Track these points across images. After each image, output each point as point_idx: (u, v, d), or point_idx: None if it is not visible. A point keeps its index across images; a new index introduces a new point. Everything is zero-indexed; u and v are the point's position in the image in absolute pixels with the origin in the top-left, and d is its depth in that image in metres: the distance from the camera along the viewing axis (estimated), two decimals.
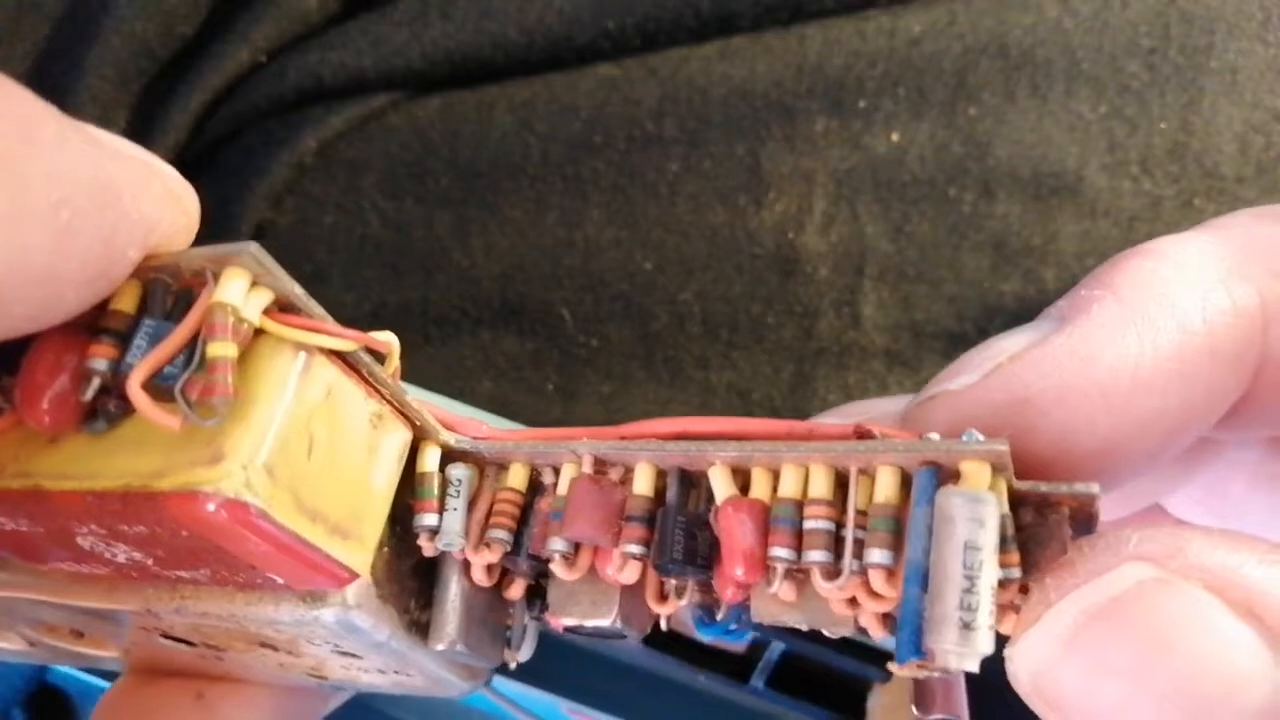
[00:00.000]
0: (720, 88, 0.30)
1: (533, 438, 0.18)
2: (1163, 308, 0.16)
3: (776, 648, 0.28)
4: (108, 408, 0.15)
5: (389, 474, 0.17)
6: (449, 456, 0.18)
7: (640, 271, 0.30)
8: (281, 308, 0.15)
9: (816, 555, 0.15)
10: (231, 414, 0.14)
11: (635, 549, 0.17)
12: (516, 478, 0.18)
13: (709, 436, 0.17)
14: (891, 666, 0.15)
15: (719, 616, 0.18)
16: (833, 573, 0.16)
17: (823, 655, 0.27)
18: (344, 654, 0.19)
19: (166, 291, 0.15)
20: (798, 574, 0.16)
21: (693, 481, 0.17)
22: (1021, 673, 0.15)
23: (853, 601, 0.16)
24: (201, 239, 0.31)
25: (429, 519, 0.17)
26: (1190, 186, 0.30)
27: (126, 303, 0.15)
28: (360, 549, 0.16)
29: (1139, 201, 0.30)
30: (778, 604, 0.17)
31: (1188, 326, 0.16)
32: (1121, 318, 0.16)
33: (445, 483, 0.18)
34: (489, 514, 0.18)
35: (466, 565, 0.18)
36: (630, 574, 0.17)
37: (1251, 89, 0.29)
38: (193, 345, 0.14)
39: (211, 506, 0.14)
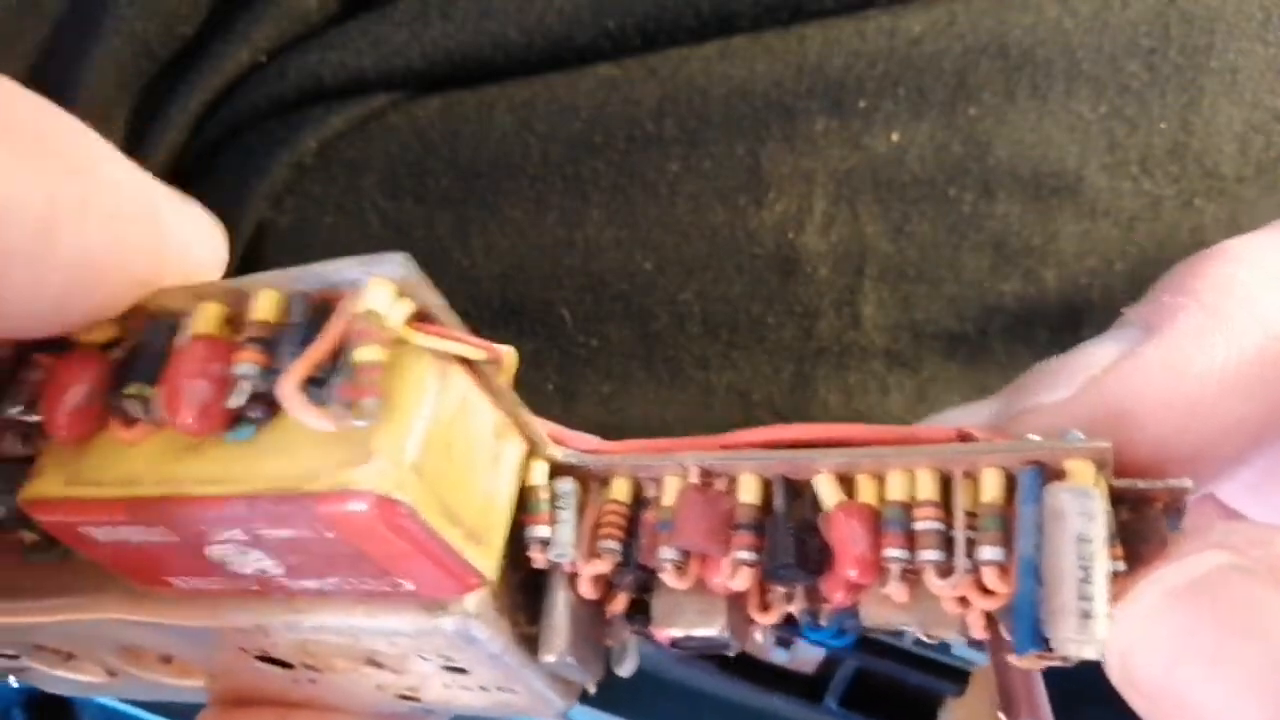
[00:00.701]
0: (720, 88, 0.30)
1: (635, 450, 0.18)
2: (1245, 312, 0.17)
3: (849, 666, 0.28)
4: (251, 414, 0.15)
5: (510, 484, 0.17)
6: (553, 470, 0.18)
7: (640, 271, 0.30)
8: (420, 317, 0.16)
9: (930, 554, 0.16)
10: (380, 415, 0.15)
11: (747, 555, 0.17)
12: (620, 490, 0.18)
13: (812, 444, 0.17)
14: (1012, 659, 0.16)
15: (823, 621, 0.18)
16: (946, 571, 0.16)
17: (895, 672, 0.27)
18: (451, 669, 0.19)
19: (306, 300, 0.15)
20: (909, 575, 0.17)
21: (796, 489, 0.17)
22: (1111, 655, 0.15)
23: (962, 600, 0.16)
24: None
25: (541, 530, 0.18)
26: (1190, 186, 0.30)
27: (270, 311, 0.15)
28: (490, 555, 0.17)
29: (1139, 201, 0.30)
30: (888, 606, 0.17)
31: (1271, 330, 0.16)
32: (1207, 325, 0.17)
33: (554, 496, 0.18)
34: (596, 526, 0.18)
35: (572, 578, 0.19)
36: (742, 580, 0.17)
37: (1251, 89, 0.29)
38: (334, 352, 0.15)
39: (363, 505, 0.14)
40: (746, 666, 0.27)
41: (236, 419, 0.15)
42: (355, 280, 0.15)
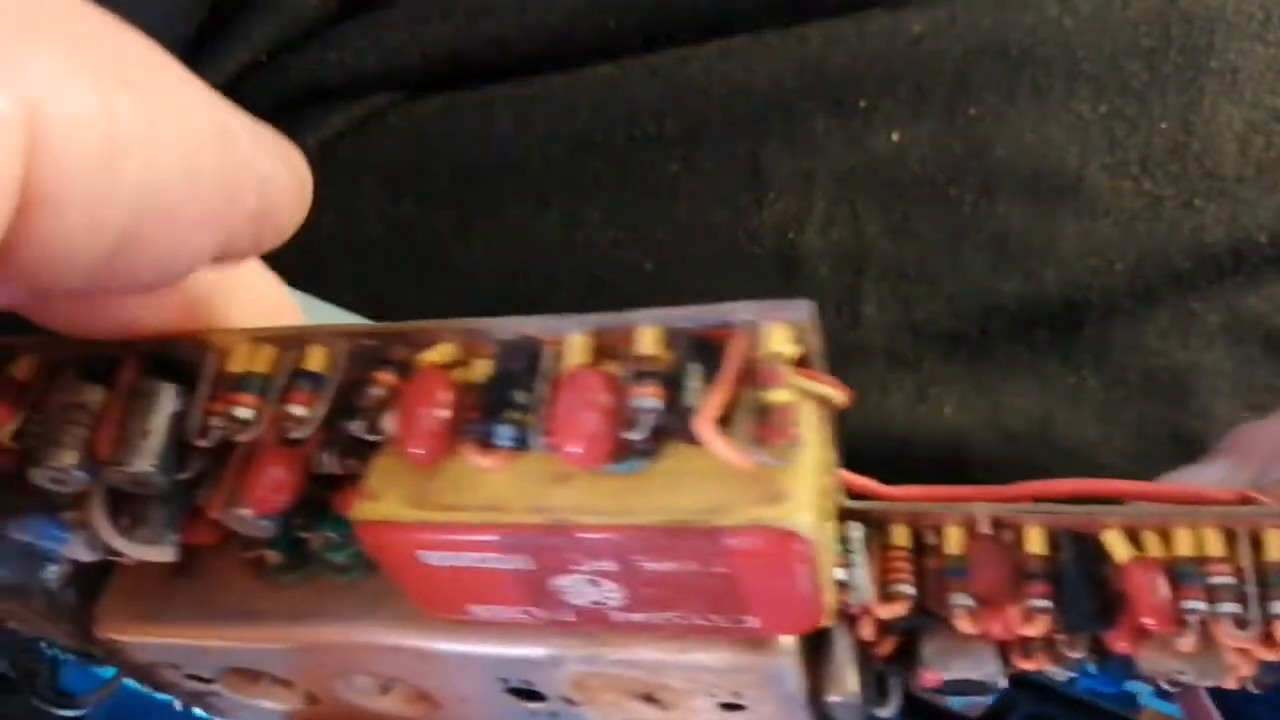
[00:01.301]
0: (720, 87, 0.30)
1: (917, 497, 0.19)
2: None
3: (1021, 712, 0.28)
4: (643, 447, 0.16)
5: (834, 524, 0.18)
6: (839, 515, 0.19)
7: (640, 271, 0.30)
8: (799, 361, 0.16)
9: (1229, 607, 0.17)
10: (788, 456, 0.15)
11: (1043, 603, 0.18)
12: (901, 536, 0.19)
13: (1097, 496, 0.19)
14: None
15: (1100, 668, 0.20)
16: (1241, 624, 0.17)
17: (1064, 717, 0.28)
18: (728, 707, 0.19)
19: (690, 336, 0.16)
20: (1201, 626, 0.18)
21: (1080, 541, 0.18)
22: None
23: (1242, 650, 0.18)
24: None
25: (839, 574, 0.18)
26: (1190, 186, 0.30)
27: (654, 347, 0.16)
28: (829, 594, 0.17)
29: (1139, 201, 0.30)
30: (1172, 656, 0.18)
31: None
32: None
33: (844, 539, 0.19)
34: (883, 571, 0.19)
35: (851, 620, 0.19)
36: (1038, 627, 0.18)
37: (1251, 89, 0.29)
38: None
39: (774, 541, 0.15)
40: (923, 711, 0.28)
41: (623, 451, 0.16)
42: (750, 322, 0.16)
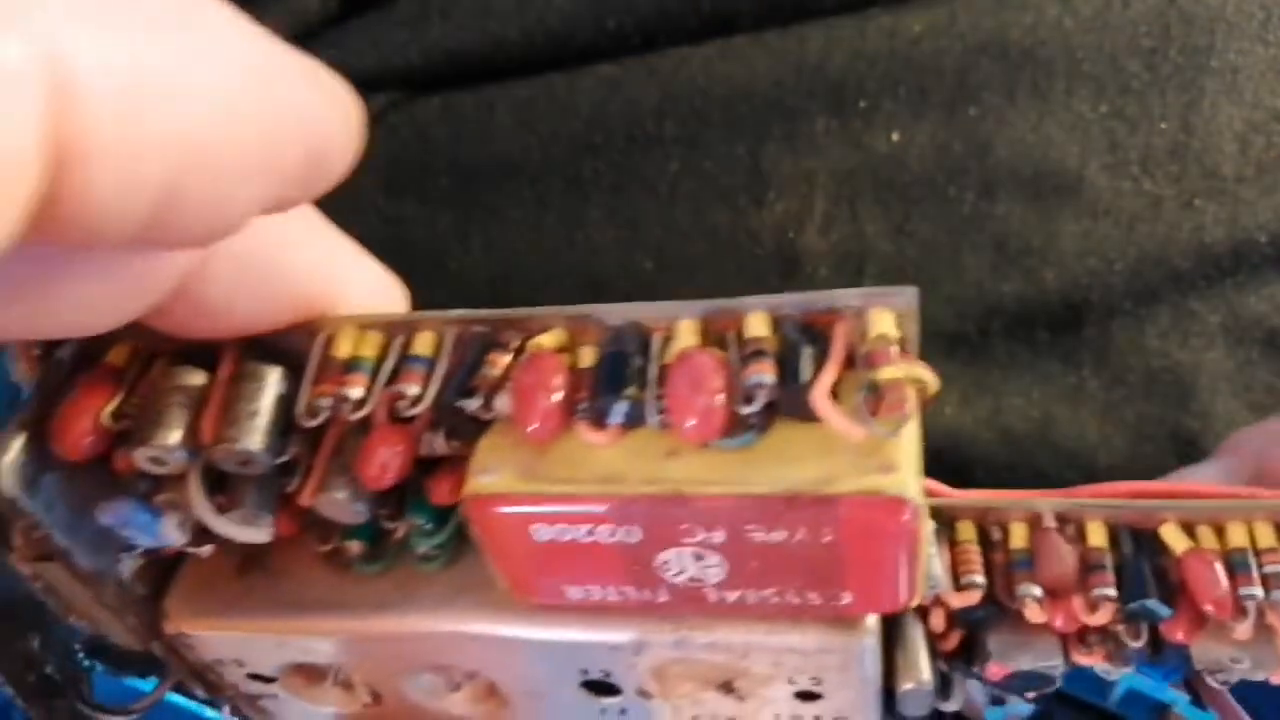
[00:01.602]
0: (720, 88, 0.30)
1: (984, 496, 0.20)
2: None
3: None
4: (753, 421, 0.16)
5: None
6: None
7: (640, 271, 0.30)
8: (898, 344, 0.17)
9: None
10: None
11: (1109, 592, 0.19)
12: (968, 531, 0.20)
13: (1157, 497, 0.20)
14: None
15: (1152, 661, 0.21)
16: None
17: None
18: (803, 697, 0.20)
19: (793, 322, 0.17)
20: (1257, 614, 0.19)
21: (1139, 536, 0.20)
22: None
23: None
24: None
25: None
26: (1190, 186, 0.30)
27: (763, 330, 0.17)
28: (921, 573, 0.18)
29: (1139, 201, 0.30)
30: (1226, 643, 0.20)
31: None
32: None
33: None
34: (954, 563, 0.20)
35: (922, 612, 0.20)
36: (1102, 615, 0.19)
37: (1251, 89, 0.29)
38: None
39: (888, 508, 0.16)
40: None
41: (733, 427, 0.16)
42: (856, 307, 0.17)
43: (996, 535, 0.20)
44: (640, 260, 0.31)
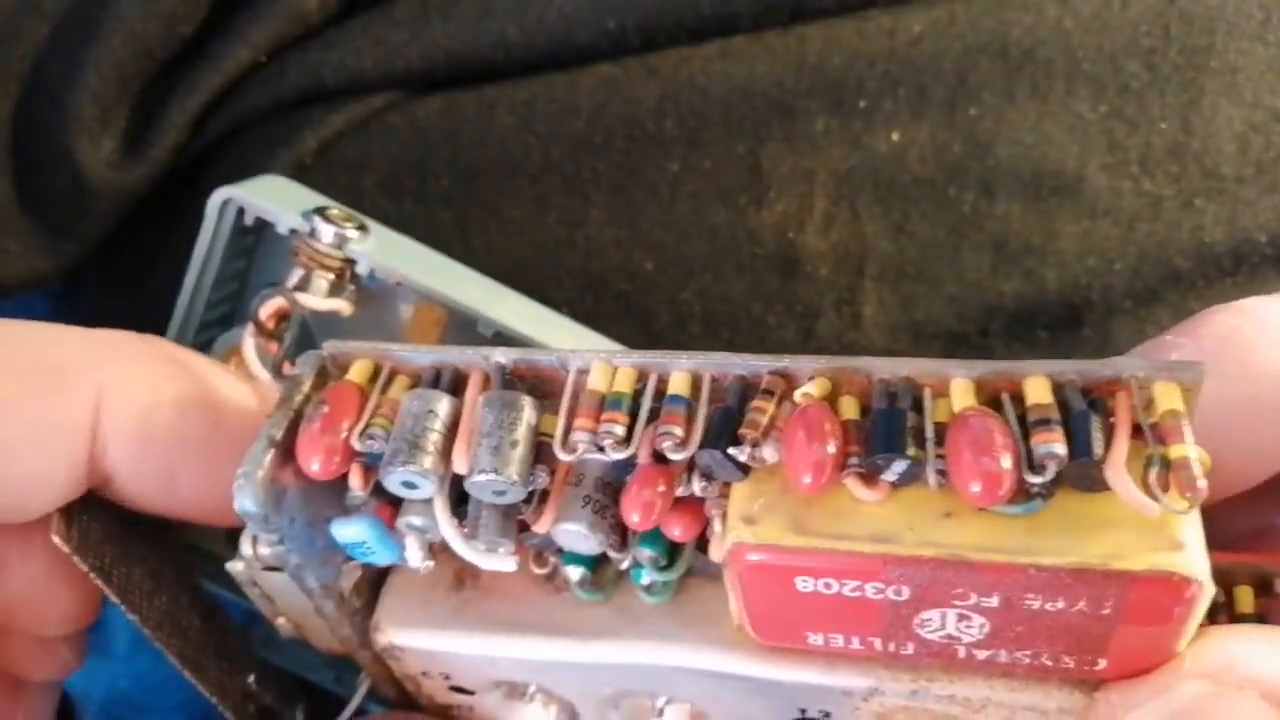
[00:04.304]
0: (720, 87, 0.30)
1: (1222, 559, 0.20)
2: (1236, 362, 0.18)
3: None
4: (1040, 491, 0.16)
5: None
6: None
7: (641, 271, 0.30)
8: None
9: None
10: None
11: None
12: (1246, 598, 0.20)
13: None
14: None
15: None
16: None
17: None
18: None
19: (1075, 389, 0.16)
20: None
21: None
22: None
23: None
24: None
25: None
26: (1190, 186, 0.30)
27: (1045, 396, 0.16)
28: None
29: (1139, 201, 0.30)
30: None
31: (1261, 385, 0.18)
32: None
33: None
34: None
35: None
36: None
37: (1251, 89, 0.29)
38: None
39: (1176, 589, 0.16)
40: None
41: (1018, 493, 0.16)
42: (1142, 378, 0.16)
43: (1220, 598, 0.19)
44: (640, 260, 0.31)
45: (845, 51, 0.30)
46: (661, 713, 0.22)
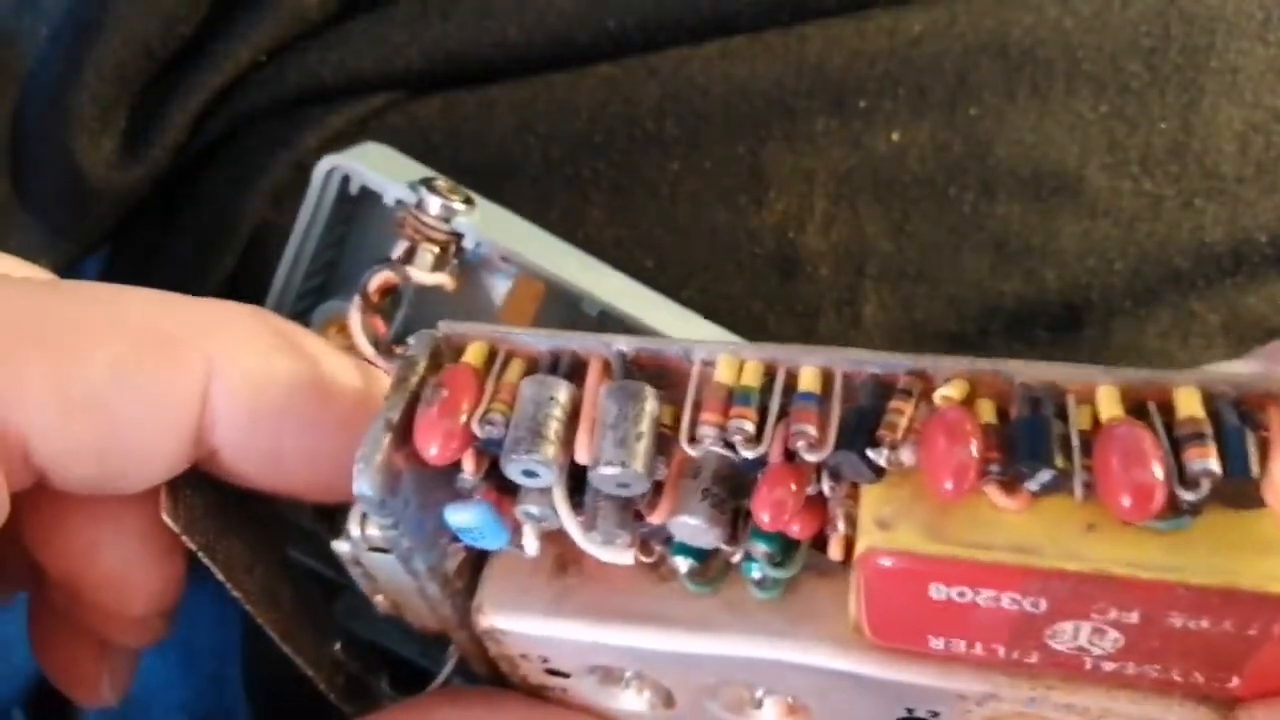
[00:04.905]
0: (720, 87, 0.30)
1: None
2: None
3: None
4: (1190, 508, 0.16)
5: None
6: None
7: (641, 270, 0.30)
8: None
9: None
10: None
11: None
12: None
13: None
14: None
15: None
16: None
17: None
18: None
19: (1228, 402, 0.16)
20: None
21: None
22: None
23: None
24: (200, 237, 0.31)
25: None
26: (1190, 186, 0.30)
27: (1197, 409, 0.16)
28: None
29: (1139, 201, 0.30)
30: None
31: None
32: None
33: None
34: None
35: None
36: None
37: (1251, 89, 0.29)
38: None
39: None
40: None
41: (1167, 508, 0.16)
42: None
43: None
44: (640, 260, 0.31)
45: (845, 51, 0.30)
46: (760, 703, 0.21)
